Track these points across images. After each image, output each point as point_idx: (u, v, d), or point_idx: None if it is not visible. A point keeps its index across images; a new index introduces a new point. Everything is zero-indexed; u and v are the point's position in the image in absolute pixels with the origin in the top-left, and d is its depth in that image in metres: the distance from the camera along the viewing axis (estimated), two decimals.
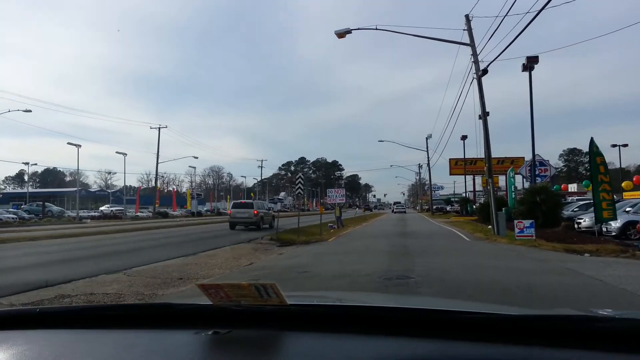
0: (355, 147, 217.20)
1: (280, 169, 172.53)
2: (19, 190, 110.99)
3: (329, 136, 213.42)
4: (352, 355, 1.05)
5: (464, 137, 49.14)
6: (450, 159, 53.74)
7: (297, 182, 17.16)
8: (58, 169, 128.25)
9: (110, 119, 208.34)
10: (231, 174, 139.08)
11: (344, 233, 23.11)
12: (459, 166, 54.45)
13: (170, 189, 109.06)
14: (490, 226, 23.60)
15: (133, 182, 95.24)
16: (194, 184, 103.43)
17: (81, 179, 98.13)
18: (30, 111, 40.73)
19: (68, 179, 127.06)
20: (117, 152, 59.10)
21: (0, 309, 3.50)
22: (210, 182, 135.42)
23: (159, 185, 68.98)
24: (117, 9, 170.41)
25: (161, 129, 56.06)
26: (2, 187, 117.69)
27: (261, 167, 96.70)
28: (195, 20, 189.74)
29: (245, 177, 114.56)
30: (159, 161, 56.13)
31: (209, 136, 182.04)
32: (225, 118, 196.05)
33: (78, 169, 54.81)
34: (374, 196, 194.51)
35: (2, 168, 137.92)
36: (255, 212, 28.69)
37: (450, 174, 54.07)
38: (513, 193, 30.05)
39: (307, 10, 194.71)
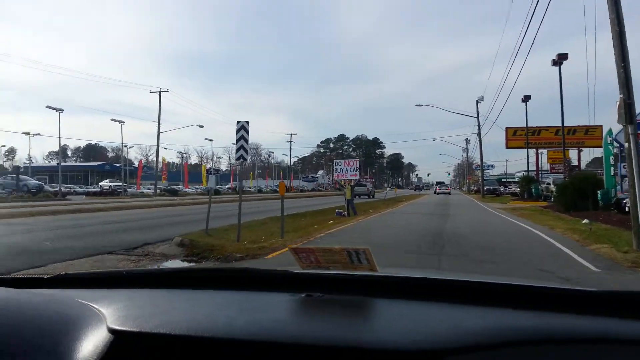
0: (398, 126, 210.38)
1: (319, 146, 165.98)
2: (51, 164, 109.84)
3: (371, 114, 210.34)
4: (457, 322, 1.05)
5: (526, 98, 38.76)
6: (507, 128, 43.65)
7: (238, 142, 8.21)
8: (100, 145, 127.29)
9: (154, 97, 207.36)
10: (271, 152, 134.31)
11: (342, 228, 14.32)
12: (518, 137, 44.17)
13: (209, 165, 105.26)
14: (585, 220, 14.37)
15: (173, 157, 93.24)
16: (226, 160, 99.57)
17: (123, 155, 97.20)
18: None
19: (110, 154, 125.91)
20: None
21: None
22: (249, 159, 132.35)
23: (191, 160, 62.38)
24: None
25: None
26: (47, 161, 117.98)
27: (290, 141, 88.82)
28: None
29: (286, 155, 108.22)
30: (160, 131, 48.86)
31: (255, 114, 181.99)
32: (268, 97, 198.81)
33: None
34: (417, 176, 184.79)
35: (49, 143, 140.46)
36: None
37: (507, 147, 43.96)
38: (612, 168, 20.36)
39: None
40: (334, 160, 21.69)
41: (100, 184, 54.69)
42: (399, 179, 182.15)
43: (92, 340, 0.92)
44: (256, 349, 0.93)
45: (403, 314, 1.15)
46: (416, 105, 44.26)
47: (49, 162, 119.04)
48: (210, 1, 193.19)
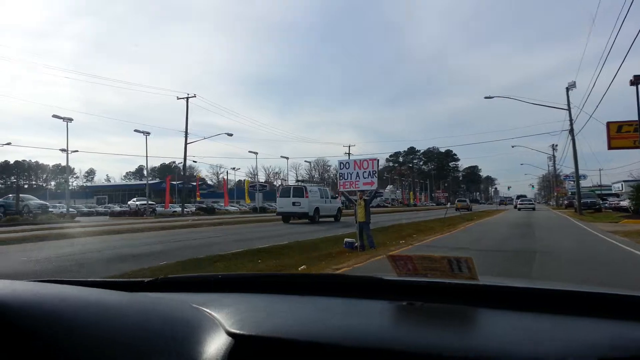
0: (472, 140, 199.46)
1: (387, 160, 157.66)
2: (118, 182, 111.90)
3: (443, 130, 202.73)
4: (575, 336, 1.02)
5: (636, 80, 28.52)
6: (609, 123, 33.17)
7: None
8: (174, 164, 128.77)
9: (231, 117, 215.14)
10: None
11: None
12: (624, 134, 33.60)
13: (276, 182, 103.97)
14: None
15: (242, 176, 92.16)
16: (299, 176, 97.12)
17: (195, 174, 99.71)
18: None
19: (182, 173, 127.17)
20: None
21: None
22: (316, 174, 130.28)
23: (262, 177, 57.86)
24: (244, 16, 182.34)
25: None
26: (125, 180, 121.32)
27: (348, 153, 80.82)
28: (311, 20, 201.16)
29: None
30: (188, 142, 43.40)
31: (325, 132, 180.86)
32: (337, 114, 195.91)
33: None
34: (496, 189, 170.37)
35: (133, 164, 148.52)
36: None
37: (610, 147, 33.36)
38: None
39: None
40: (339, 162, 13.93)
41: (129, 202, 50.24)
42: (476, 193, 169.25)
43: (214, 344, 0.93)
44: (367, 355, 0.93)
45: (511, 324, 1.11)
46: (485, 98, 35.15)
47: (127, 181, 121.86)
48: (279, 26, 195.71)
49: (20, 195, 33.27)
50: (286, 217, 26.43)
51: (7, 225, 26.02)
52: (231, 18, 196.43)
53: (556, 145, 64.80)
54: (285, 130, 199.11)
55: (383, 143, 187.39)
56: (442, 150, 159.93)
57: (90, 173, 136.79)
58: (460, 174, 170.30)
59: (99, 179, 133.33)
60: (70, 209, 40.96)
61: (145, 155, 42.42)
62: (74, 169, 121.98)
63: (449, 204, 54.99)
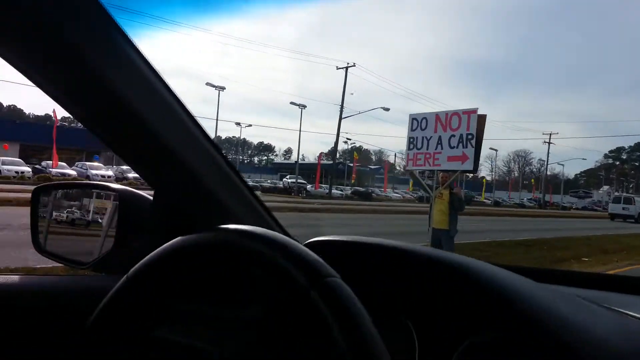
0: None
1: (606, 156, 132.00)
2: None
3: None
4: None
5: None
6: None
7: None
8: (364, 147, 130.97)
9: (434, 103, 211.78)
10: (544, 160, 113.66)
11: None
12: None
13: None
14: None
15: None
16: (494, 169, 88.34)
17: (387, 158, 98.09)
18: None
19: (373, 157, 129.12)
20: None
21: None
22: (515, 168, 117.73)
23: None
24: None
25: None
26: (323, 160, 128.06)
27: (549, 142, 67.74)
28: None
29: (563, 164, 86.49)
30: (342, 116, 39.54)
31: (537, 122, 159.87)
32: (556, 103, 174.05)
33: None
34: None
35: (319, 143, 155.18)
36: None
37: None
38: None
39: None
40: (410, 117, 7.67)
41: (283, 180, 49.03)
42: None
43: None
44: None
45: None
46: None
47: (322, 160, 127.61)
48: (497, 8, 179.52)
49: None
50: (613, 216, 38.11)
51: None
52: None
53: None
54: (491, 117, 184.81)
55: (604, 139, 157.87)
56: None
57: (288, 152, 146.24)
58: None
59: (293, 158, 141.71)
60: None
61: (298, 129, 40.13)
62: (274, 147, 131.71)
63: None
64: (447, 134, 6.78)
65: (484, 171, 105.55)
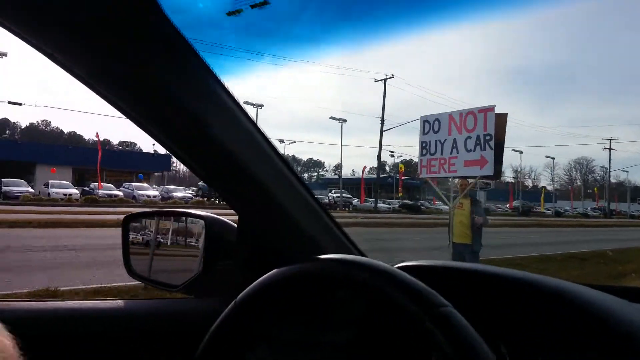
0: None
1: None
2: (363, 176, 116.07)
3: None
4: None
5: None
6: None
7: None
8: (415, 161, 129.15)
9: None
10: (606, 167, 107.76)
11: None
12: None
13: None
14: None
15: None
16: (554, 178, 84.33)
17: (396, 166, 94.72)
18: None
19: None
20: None
21: None
22: (577, 176, 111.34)
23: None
24: None
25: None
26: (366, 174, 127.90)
27: (609, 148, 63.54)
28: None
29: (627, 171, 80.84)
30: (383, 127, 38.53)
31: (597, 129, 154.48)
32: (614, 109, 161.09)
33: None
34: None
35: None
36: None
37: None
38: None
39: None
40: (422, 120, 6.83)
41: (328, 194, 48.38)
42: None
43: None
44: None
45: None
46: None
47: (367, 175, 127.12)
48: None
49: None
50: None
51: None
52: None
53: None
54: (542, 127, 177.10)
55: None
56: None
57: (338, 167, 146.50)
58: None
59: (346, 173, 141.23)
60: None
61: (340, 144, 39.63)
62: (323, 162, 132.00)
63: None
64: (462, 136, 5.94)
65: (544, 181, 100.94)
